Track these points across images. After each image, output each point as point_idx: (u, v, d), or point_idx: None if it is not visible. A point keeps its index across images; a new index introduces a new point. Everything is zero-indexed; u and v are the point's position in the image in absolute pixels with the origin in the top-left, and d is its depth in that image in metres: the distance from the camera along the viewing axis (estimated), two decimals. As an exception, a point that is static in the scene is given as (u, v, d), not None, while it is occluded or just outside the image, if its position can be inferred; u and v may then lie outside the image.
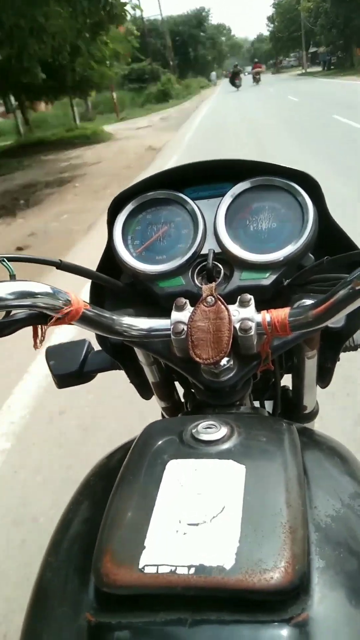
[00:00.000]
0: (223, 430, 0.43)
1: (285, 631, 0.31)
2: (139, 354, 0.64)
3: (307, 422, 0.77)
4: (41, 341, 0.49)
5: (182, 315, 0.52)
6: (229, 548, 0.33)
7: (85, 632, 0.34)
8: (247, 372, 0.53)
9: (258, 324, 0.50)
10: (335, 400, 1.80)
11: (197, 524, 0.35)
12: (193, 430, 0.43)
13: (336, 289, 0.45)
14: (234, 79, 31.67)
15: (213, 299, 0.51)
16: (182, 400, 0.75)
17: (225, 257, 0.58)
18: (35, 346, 0.49)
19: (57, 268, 0.51)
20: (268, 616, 0.31)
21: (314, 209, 0.57)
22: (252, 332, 0.50)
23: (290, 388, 0.75)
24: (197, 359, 0.50)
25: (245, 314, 0.50)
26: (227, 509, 0.36)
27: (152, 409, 0.81)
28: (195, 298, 0.53)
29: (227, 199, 0.60)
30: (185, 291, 0.57)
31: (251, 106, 16.76)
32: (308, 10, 38.70)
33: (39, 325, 0.48)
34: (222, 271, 0.58)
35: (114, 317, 0.52)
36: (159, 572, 0.33)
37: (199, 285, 0.57)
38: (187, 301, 0.53)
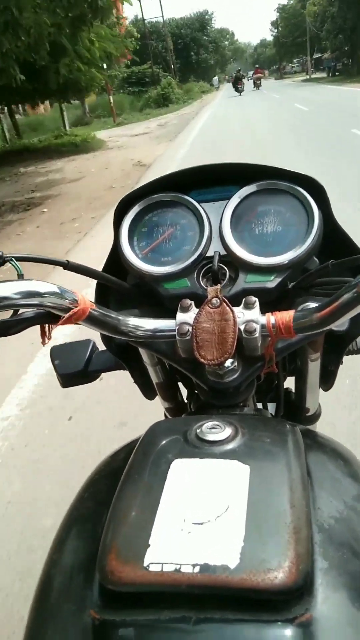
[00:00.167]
0: (227, 431, 0.43)
1: (288, 631, 0.31)
2: (144, 355, 0.65)
3: (309, 424, 0.76)
4: (48, 339, 0.50)
5: (187, 317, 0.53)
6: (233, 547, 0.34)
7: (89, 629, 0.34)
8: (251, 373, 0.54)
9: (262, 326, 0.51)
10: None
11: (201, 523, 0.36)
12: (198, 430, 0.44)
13: (341, 292, 0.46)
14: (237, 83, 32.39)
15: (218, 300, 0.52)
16: (186, 400, 0.76)
17: (230, 259, 0.59)
18: (43, 343, 0.50)
19: (64, 268, 0.52)
20: (272, 616, 0.32)
21: (319, 213, 0.58)
22: (257, 334, 0.51)
23: (293, 390, 0.75)
24: (202, 360, 0.50)
25: (250, 316, 0.51)
26: (231, 509, 0.36)
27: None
28: (200, 300, 0.54)
29: (233, 202, 0.62)
30: (191, 293, 0.58)
31: (255, 114, 15.29)
32: (314, 15, 37.37)
33: (46, 324, 0.49)
34: (228, 273, 0.59)
35: (120, 318, 0.53)
36: (164, 570, 0.33)
37: (204, 287, 0.58)
38: (193, 303, 0.54)
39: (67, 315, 0.48)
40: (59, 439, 1.97)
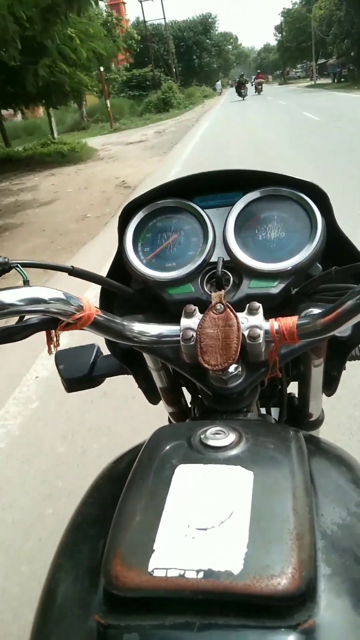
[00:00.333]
0: (231, 437, 0.44)
1: (291, 637, 0.32)
2: (148, 359, 0.67)
3: (312, 429, 0.77)
4: (55, 346, 0.51)
5: (191, 322, 0.54)
6: (237, 553, 0.34)
7: (94, 634, 0.35)
8: (255, 379, 0.55)
9: (266, 332, 0.52)
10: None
11: (205, 529, 0.36)
12: (202, 436, 0.45)
13: (344, 299, 0.46)
14: (240, 88, 32.80)
15: (222, 306, 0.53)
16: (189, 405, 0.77)
17: (234, 265, 0.60)
18: (50, 351, 0.51)
19: (70, 274, 0.53)
20: (275, 622, 0.32)
21: (322, 220, 0.59)
22: (261, 340, 0.51)
23: (297, 395, 0.76)
24: (206, 365, 0.51)
25: (253, 322, 0.52)
26: (235, 515, 0.37)
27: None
28: (204, 305, 0.55)
29: (237, 208, 0.63)
30: (195, 298, 0.59)
31: (260, 124, 13.90)
32: (319, 19, 36.06)
33: (52, 330, 0.50)
34: (231, 279, 0.60)
35: (125, 323, 0.54)
36: (168, 575, 0.34)
37: (208, 292, 0.59)
38: (197, 308, 0.55)
39: (72, 320, 0.48)
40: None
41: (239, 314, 0.53)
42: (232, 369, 0.53)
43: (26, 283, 0.47)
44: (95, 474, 0.56)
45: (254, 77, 41.82)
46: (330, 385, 0.71)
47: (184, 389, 0.75)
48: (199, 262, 0.60)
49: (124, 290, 0.63)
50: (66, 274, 0.53)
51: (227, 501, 0.38)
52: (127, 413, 2.02)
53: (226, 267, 0.60)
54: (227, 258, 0.60)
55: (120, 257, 0.64)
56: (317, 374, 0.67)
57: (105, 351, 0.71)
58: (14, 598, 1.37)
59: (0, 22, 6.15)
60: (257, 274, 0.58)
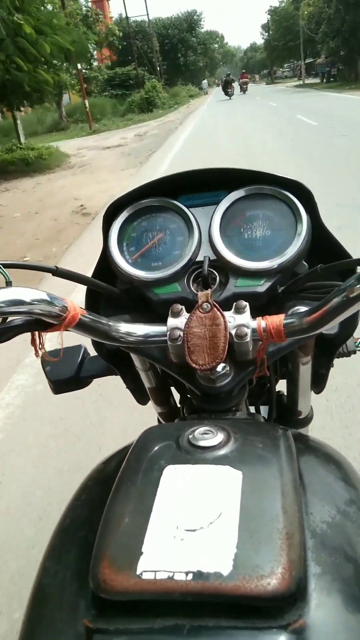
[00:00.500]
0: (220, 436, 0.44)
1: (282, 637, 0.32)
2: (135, 360, 0.67)
3: (302, 427, 0.78)
4: (41, 348, 0.51)
5: (178, 322, 0.54)
6: (226, 554, 0.34)
7: (83, 638, 0.35)
8: (243, 377, 0.56)
9: (253, 331, 0.52)
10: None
11: (194, 530, 0.36)
12: (190, 436, 0.45)
13: (330, 296, 0.47)
14: (227, 87, 32.98)
15: (209, 305, 0.53)
16: (179, 405, 0.77)
17: (220, 264, 0.61)
18: (36, 354, 0.51)
19: (53, 275, 0.54)
20: (265, 622, 0.32)
21: (307, 218, 0.60)
22: (248, 339, 0.52)
23: (285, 394, 0.77)
24: (194, 365, 0.52)
25: (240, 321, 0.52)
26: (224, 515, 0.37)
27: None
28: (190, 304, 0.56)
29: (222, 207, 0.63)
30: (181, 298, 0.59)
31: (251, 130, 12.09)
32: (308, 17, 34.79)
33: (37, 332, 0.50)
34: (218, 278, 0.60)
35: (111, 323, 0.54)
36: (157, 578, 0.34)
37: (195, 291, 0.59)
38: (183, 307, 0.56)
39: (57, 322, 0.48)
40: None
41: (226, 313, 0.53)
42: (220, 368, 0.53)
43: (9, 284, 0.47)
44: None
45: (239, 76, 41.43)
46: (318, 382, 0.72)
47: (172, 389, 0.76)
48: (185, 261, 0.61)
49: (109, 291, 0.63)
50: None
51: (215, 501, 0.38)
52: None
53: (212, 266, 0.60)
54: (213, 257, 0.61)
55: (105, 256, 0.64)
56: (305, 371, 0.68)
57: (93, 352, 0.71)
58: None
59: None
60: (244, 273, 0.58)
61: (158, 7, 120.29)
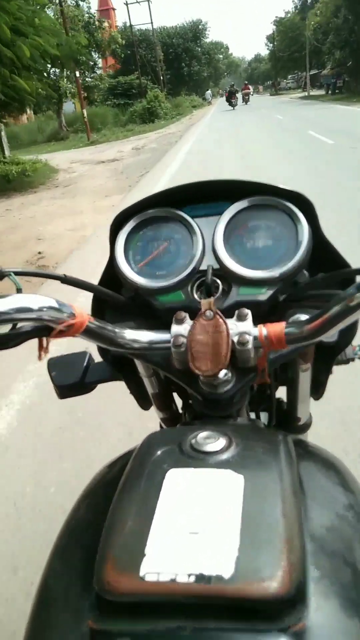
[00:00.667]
0: (222, 441, 0.46)
1: None
2: (139, 366, 0.69)
3: (301, 433, 0.80)
4: (45, 353, 0.52)
5: (182, 329, 0.55)
6: (228, 557, 0.35)
7: (86, 638, 0.36)
8: (245, 384, 0.57)
9: (255, 338, 0.53)
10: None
11: (197, 533, 0.37)
12: (192, 441, 0.46)
13: (330, 305, 0.48)
14: (231, 98, 33.39)
15: (212, 313, 0.54)
16: (181, 411, 0.79)
17: (223, 273, 0.62)
18: (40, 358, 0.52)
19: (62, 282, 0.56)
20: (266, 625, 0.33)
21: (308, 228, 0.62)
22: (250, 346, 0.53)
23: (285, 400, 0.79)
24: (197, 371, 0.53)
25: (243, 328, 0.54)
26: (226, 518, 0.38)
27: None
28: (194, 312, 0.57)
29: (225, 217, 0.65)
30: (185, 305, 0.61)
31: (260, 150, 10.26)
32: (315, 28, 33.91)
33: (44, 338, 0.51)
34: (221, 286, 0.62)
35: (116, 330, 0.56)
36: (160, 579, 0.34)
37: (198, 299, 0.61)
38: (187, 315, 0.57)
39: (65, 328, 0.50)
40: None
41: (229, 321, 0.54)
42: (222, 374, 0.54)
43: (19, 291, 0.48)
44: None
45: (242, 87, 42.37)
46: (317, 389, 0.74)
47: (175, 394, 0.77)
48: (189, 270, 0.63)
49: (115, 298, 0.65)
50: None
51: (218, 505, 0.39)
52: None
53: (216, 274, 0.62)
54: (216, 266, 0.62)
55: (112, 265, 0.66)
56: (304, 378, 0.69)
57: (97, 358, 0.73)
58: None
59: None
60: (246, 282, 0.60)
61: (163, 17, 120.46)
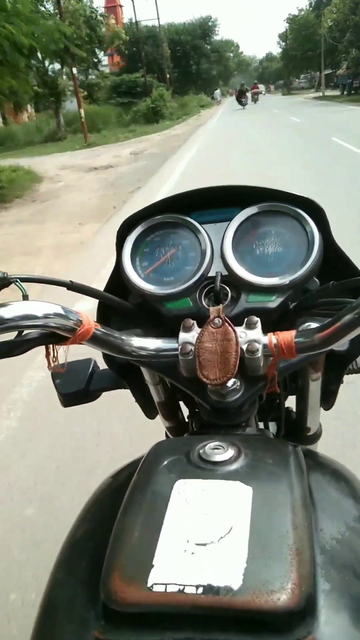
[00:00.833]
0: (230, 452, 0.46)
1: None
2: (145, 374, 0.68)
3: (310, 443, 0.80)
4: (54, 361, 0.52)
5: (189, 336, 0.55)
6: (236, 569, 0.35)
7: None
8: (254, 393, 0.57)
9: (265, 346, 0.53)
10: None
11: (205, 544, 0.37)
12: (200, 451, 0.46)
13: (342, 313, 0.48)
14: (241, 97, 33.42)
15: (220, 320, 0.55)
16: (187, 420, 0.78)
17: (232, 279, 0.62)
18: (49, 366, 0.52)
19: (68, 289, 0.56)
20: (275, 638, 0.33)
21: (319, 235, 0.62)
22: (259, 354, 0.53)
23: (294, 410, 0.78)
24: (205, 380, 0.53)
25: (252, 336, 0.54)
26: (234, 530, 0.38)
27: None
28: (202, 319, 0.57)
29: (235, 224, 0.65)
30: (193, 313, 0.60)
31: (272, 156, 9.09)
32: (331, 26, 32.28)
33: (51, 345, 0.52)
34: (229, 293, 0.62)
35: (123, 337, 0.56)
36: (168, 590, 0.35)
37: (206, 307, 0.61)
38: (195, 322, 0.57)
39: (71, 335, 0.50)
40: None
41: (237, 328, 0.54)
42: (230, 383, 0.54)
43: (25, 298, 0.48)
44: None
45: (252, 87, 42.55)
46: (328, 399, 0.73)
47: (181, 403, 0.77)
48: (197, 276, 0.62)
49: (122, 305, 0.65)
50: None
51: (226, 516, 0.39)
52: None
53: (224, 281, 0.62)
54: (225, 273, 0.62)
55: (118, 271, 0.66)
56: (314, 387, 0.69)
57: (102, 365, 0.73)
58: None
59: None
60: (255, 289, 0.60)
61: (171, 13, 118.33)
